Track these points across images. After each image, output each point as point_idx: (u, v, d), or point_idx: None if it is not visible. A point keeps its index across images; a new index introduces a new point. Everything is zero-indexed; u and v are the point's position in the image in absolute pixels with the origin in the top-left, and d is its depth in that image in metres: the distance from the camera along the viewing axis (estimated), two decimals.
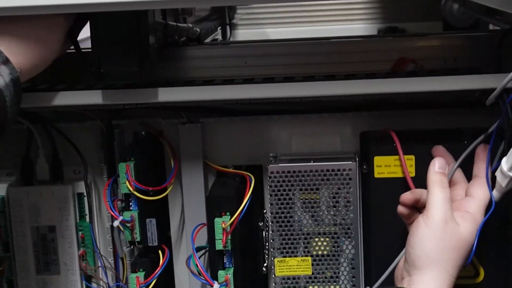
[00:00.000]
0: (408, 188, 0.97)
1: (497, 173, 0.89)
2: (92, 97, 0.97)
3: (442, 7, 1.64)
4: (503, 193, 0.90)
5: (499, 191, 0.90)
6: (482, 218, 0.88)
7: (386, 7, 1.86)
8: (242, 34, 1.82)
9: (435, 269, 0.84)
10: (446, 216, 0.85)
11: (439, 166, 0.91)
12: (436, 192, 0.88)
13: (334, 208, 1.03)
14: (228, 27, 1.58)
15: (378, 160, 1.00)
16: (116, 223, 1.04)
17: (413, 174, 0.99)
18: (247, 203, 1.01)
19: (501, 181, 0.88)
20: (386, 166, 1.00)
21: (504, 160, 0.87)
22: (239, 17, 1.81)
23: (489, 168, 0.93)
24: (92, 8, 0.84)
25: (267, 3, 0.88)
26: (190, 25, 1.14)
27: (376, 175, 1.00)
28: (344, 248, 1.04)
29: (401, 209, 0.93)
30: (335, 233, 1.04)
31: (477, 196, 0.89)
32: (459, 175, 0.95)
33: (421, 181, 0.97)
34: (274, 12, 1.85)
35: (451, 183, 0.93)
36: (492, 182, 0.91)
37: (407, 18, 1.79)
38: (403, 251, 0.90)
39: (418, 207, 0.93)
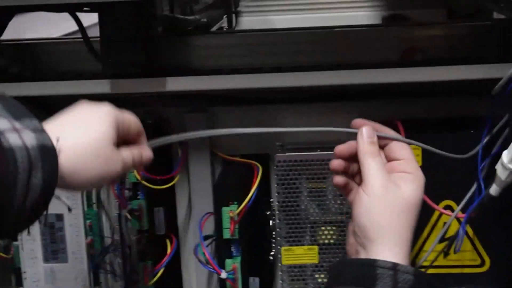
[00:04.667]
0: None
1: (497, 167, 0.87)
2: (100, 86, 0.97)
3: None
4: (503, 187, 0.88)
5: (499, 185, 0.88)
6: (421, 175, 0.84)
7: None
8: (247, 21, 1.81)
9: (388, 236, 0.80)
10: (384, 182, 0.82)
11: (367, 136, 0.87)
12: (369, 161, 0.83)
13: (341, 197, 1.04)
14: (233, 15, 1.58)
15: None
16: (124, 212, 1.04)
17: (420, 164, 0.99)
18: (255, 192, 1.02)
19: (501, 174, 0.87)
20: None
21: (505, 153, 0.86)
22: (244, 4, 1.81)
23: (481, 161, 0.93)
24: None
25: None
26: (197, 17, 1.14)
27: None
28: None
29: (337, 179, 0.88)
30: (342, 222, 1.04)
31: (407, 156, 0.85)
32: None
33: (428, 169, 0.97)
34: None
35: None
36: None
37: (411, 5, 1.78)
38: (350, 227, 0.87)
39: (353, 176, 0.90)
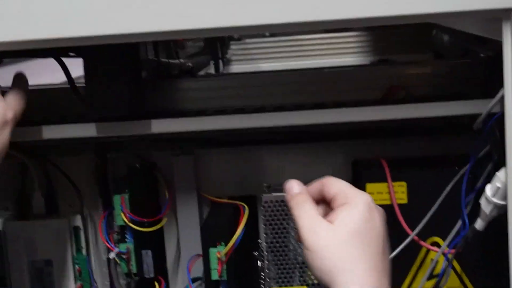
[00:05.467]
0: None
1: (481, 201, 0.88)
2: (85, 130, 0.98)
3: (433, 38, 1.66)
4: (487, 221, 0.89)
5: (484, 220, 0.89)
6: (360, 198, 0.79)
7: (378, 40, 1.88)
8: (235, 69, 1.83)
9: (345, 273, 0.75)
10: (312, 228, 0.77)
11: (287, 191, 0.83)
12: (294, 215, 0.80)
13: None
14: (221, 62, 1.59)
15: (370, 187, 1.01)
16: (112, 255, 1.05)
17: (405, 201, 1.00)
18: (242, 233, 1.02)
19: (485, 208, 0.87)
20: (378, 193, 1.01)
21: (488, 186, 0.86)
22: (232, 52, 1.83)
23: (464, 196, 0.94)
24: (84, 42, 0.84)
25: (255, 31, 0.89)
26: (182, 61, 1.16)
27: None
28: None
29: None
30: None
31: (338, 189, 0.80)
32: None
33: (413, 207, 0.98)
34: (267, 48, 1.87)
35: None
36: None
37: (398, 51, 1.80)
38: None
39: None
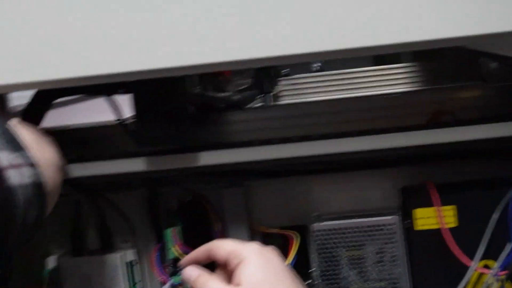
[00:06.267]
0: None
1: None
2: (134, 165, 1.00)
3: (480, 66, 1.66)
4: None
5: None
6: (248, 252, 0.83)
7: (426, 71, 1.88)
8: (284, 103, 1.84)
9: None
10: None
11: (185, 279, 0.88)
12: None
13: (380, 264, 1.04)
14: (268, 95, 1.60)
15: (418, 212, 1.01)
16: (166, 287, 1.06)
17: (455, 224, 1.00)
18: (293, 261, 1.02)
19: None
20: (427, 218, 1.01)
21: None
22: (280, 88, 1.84)
23: None
24: (132, 77, 0.86)
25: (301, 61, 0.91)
26: (228, 94, 1.17)
27: (417, 227, 1.01)
28: None
29: None
30: None
31: (228, 252, 0.85)
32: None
33: (463, 230, 0.98)
34: (315, 82, 1.88)
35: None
36: None
37: (446, 80, 1.80)
38: None
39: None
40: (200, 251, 0.89)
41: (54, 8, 0.80)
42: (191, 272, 0.87)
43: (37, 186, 0.77)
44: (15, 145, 0.77)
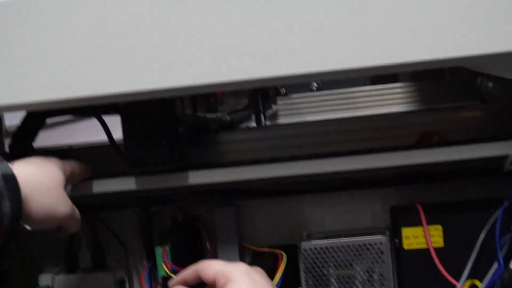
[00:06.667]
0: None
1: None
2: (125, 184, 1.01)
3: (478, 86, 1.67)
4: None
5: None
6: (236, 274, 0.85)
7: (424, 91, 1.89)
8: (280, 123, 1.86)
9: None
10: None
11: None
12: None
13: (369, 283, 1.05)
14: (263, 116, 1.62)
15: (406, 231, 1.02)
16: None
17: (441, 244, 1.00)
18: (280, 280, 1.03)
19: None
20: (414, 237, 1.01)
21: None
22: (278, 108, 1.85)
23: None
24: (121, 98, 0.88)
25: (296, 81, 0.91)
26: (220, 115, 1.19)
27: (405, 247, 1.02)
28: None
29: None
30: None
31: (215, 272, 0.86)
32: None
33: (449, 250, 0.99)
34: (313, 102, 1.89)
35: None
36: None
37: (444, 100, 1.81)
38: None
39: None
40: (188, 272, 0.91)
41: (41, 30, 0.81)
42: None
43: (6, 178, 0.79)
44: None
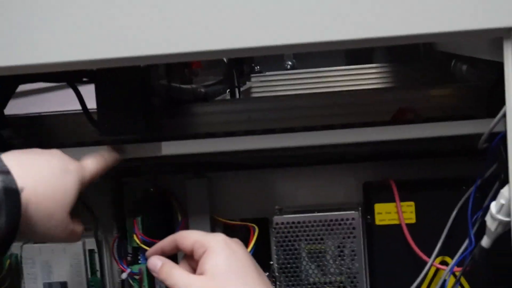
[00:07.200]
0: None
1: (487, 218, 0.89)
2: None
3: (452, 69, 1.67)
4: (493, 238, 0.89)
5: (490, 237, 0.89)
6: (214, 241, 0.85)
7: (398, 72, 1.89)
8: None
9: None
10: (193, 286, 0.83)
11: (151, 269, 0.89)
12: (173, 281, 0.85)
13: (340, 258, 1.05)
14: (237, 90, 1.61)
15: (378, 207, 1.02)
16: (124, 276, 1.06)
17: (413, 221, 1.01)
18: (251, 253, 1.03)
19: (491, 226, 0.88)
20: (386, 213, 1.02)
21: (493, 204, 0.86)
22: (252, 84, 1.85)
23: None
24: (95, 65, 0.87)
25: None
26: (195, 86, 1.18)
27: (378, 222, 1.02)
28: None
29: None
30: (341, 283, 1.05)
31: (192, 241, 0.86)
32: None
33: (422, 227, 0.99)
34: (287, 80, 1.89)
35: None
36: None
37: (418, 82, 1.81)
38: None
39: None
40: (166, 241, 0.90)
41: None
42: (156, 261, 0.88)
43: (7, 192, 0.75)
44: None
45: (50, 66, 0.82)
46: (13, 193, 0.75)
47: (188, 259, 0.88)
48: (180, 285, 0.83)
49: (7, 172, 0.76)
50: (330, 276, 1.05)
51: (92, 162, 0.92)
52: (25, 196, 0.77)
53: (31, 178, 0.80)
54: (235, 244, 0.86)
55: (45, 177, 0.82)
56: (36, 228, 0.81)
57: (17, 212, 0.76)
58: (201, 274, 0.83)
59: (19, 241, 1.11)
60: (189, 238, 0.87)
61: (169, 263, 0.87)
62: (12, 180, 0.76)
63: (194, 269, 0.86)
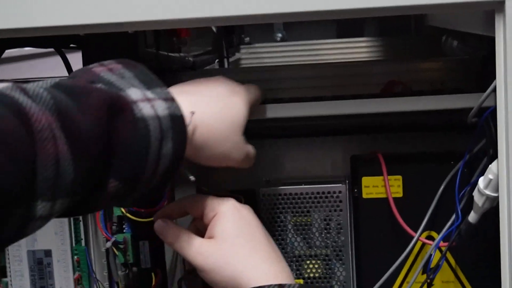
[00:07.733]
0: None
1: (474, 193, 0.89)
2: None
3: (443, 44, 1.66)
4: (480, 213, 0.90)
5: (477, 212, 0.90)
6: (224, 206, 0.85)
7: (389, 45, 1.89)
8: None
9: (240, 275, 0.81)
10: (202, 250, 0.82)
11: (158, 232, 0.88)
12: (181, 245, 0.84)
13: (326, 231, 1.04)
14: (225, 60, 1.60)
15: (365, 180, 1.01)
16: (108, 244, 1.05)
17: (400, 195, 1.00)
18: None
19: (478, 201, 0.88)
20: (374, 187, 1.01)
21: (481, 179, 0.87)
22: (241, 56, 1.84)
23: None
24: (82, 30, 0.85)
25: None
26: (183, 55, 1.17)
27: (365, 196, 1.02)
28: (335, 270, 1.05)
29: None
30: (327, 256, 1.05)
31: (202, 206, 0.86)
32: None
33: (408, 201, 0.99)
34: (276, 51, 1.88)
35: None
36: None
37: (409, 56, 1.80)
38: None
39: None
40: (174, 205, 0.90)
41: None
42: (164, 225, 0.87)
43: (173, 118, 0.74)
44: (148, 83, 0.75)
45: (37, 30, 0.81)
46: (179, 119, 0.75)
47: (197, 223, 0.88)
48: (188, 249, 0.83)
49: (171, 99, 0.75)
50: (315, 249, 1.05)
51: (256, 88, 0.93)
52: (194, 121, 0.78)
53: (199, 102, 0.80)
54: (245, 210, 0.86)
55: (213, 100, 0.83)
56: (209, 152, 0.82)
57: (183, 138, 0.76)
58: (210, 238, 0.83)
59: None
60: (199, 202, 0.86)
61: (177, 227, 0.86)
62: (177, 107, 0.75)
63: (202, 234, 0.85)
